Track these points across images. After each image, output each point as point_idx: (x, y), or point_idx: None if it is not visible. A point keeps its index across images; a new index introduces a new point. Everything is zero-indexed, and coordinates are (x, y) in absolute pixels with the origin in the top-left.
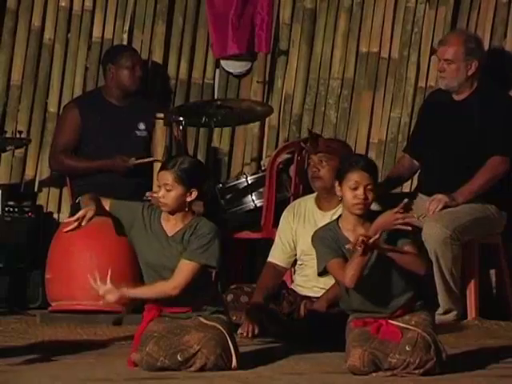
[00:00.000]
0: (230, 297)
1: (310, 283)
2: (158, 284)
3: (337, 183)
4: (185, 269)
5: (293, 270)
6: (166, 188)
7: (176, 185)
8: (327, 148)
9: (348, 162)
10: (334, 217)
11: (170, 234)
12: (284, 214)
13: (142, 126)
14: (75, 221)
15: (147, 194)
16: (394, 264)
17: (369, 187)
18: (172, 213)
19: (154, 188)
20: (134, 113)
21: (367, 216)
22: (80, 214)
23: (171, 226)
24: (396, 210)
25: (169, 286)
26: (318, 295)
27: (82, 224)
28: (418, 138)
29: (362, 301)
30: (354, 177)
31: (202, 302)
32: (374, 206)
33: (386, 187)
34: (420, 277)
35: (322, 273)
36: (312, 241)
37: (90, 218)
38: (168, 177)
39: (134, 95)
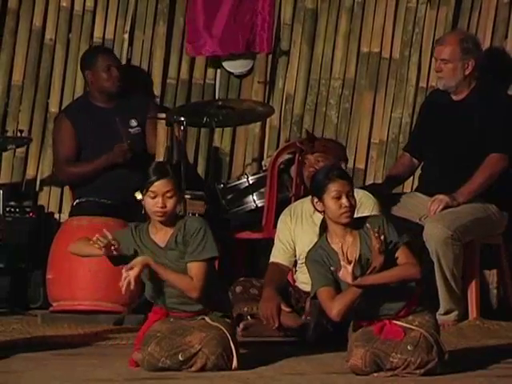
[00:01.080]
0: (238, 288)
1: None
2: (187, 278)
3: (315, 200)
4: (195, 271)
5: (294, 269)
6: (167, 196)
7: (176, 190)
8: (323, 148)
9: (322, 175)
10: None
11: (162, 245)
12: (281, 217)
13: (133, 122)
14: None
15: (136, 194)
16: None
17: (350, 194)
18: (166, 221)
19: None
20: (123, 112)
21: (354, 224)
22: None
23: (161, 236)
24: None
25: (192, 287)
26: None
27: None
28: (417, 137)
29: (365, 307)
30: (334, 187)
31: (210, 308)
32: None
33: (386, 186)
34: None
35: (314, 297)
36: (305, 263)
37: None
38: (169, 184)
39: (121, 95)
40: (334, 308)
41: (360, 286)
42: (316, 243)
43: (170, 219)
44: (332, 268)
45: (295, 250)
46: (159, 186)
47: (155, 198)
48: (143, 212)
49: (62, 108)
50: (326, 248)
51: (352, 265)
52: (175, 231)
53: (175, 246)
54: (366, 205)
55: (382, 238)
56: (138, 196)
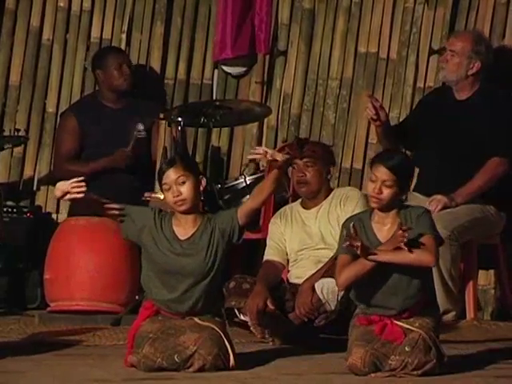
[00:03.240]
0: (232, 284)
1: (308, 272)
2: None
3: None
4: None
5: (287, 267)
6: (180, 182)
7: (188, 174)
8: (312, 153)
9: (378, 155)
10: (320, 210)
11: (182, 238)
12: (271, 220)
13: (140, 126)
14: None
15: (146, 194)
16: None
17: (386, 183)
18: (189, 210)
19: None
20: (131, 114)
21: (397, 210)
22: None
23: (183, 230)
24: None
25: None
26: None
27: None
28: (411, 127)
29: (372, 294)
30: (374, 170)
31: (205, 310)
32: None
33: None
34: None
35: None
36: (341, 226)
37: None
38: (178, 170)
39: (130, 96)
40: (342, 275)
41: (371, 260)
42: (358, 213)
43: (194, 208)
44: (343, 244)
45: (287, 250)
46: (168, 176)
47: (170, 190)
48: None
49: (62, 108)
50: (364, 220)
51: (359, 243)
52: (199, 229)
53: (198, 241)
54: (352, 198)
55: (406, 234)
56: (161, 196)
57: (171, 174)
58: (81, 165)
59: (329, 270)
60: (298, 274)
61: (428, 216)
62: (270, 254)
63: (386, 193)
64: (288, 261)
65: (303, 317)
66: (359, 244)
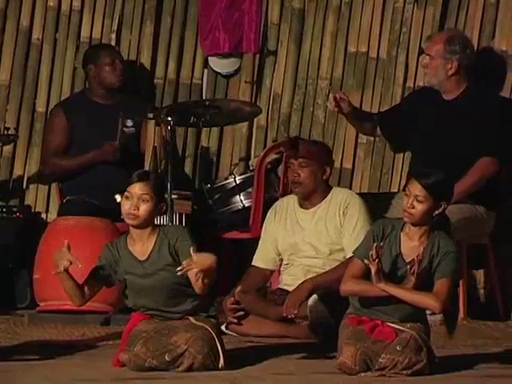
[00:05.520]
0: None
1: (297, 281)
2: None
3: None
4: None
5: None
6: (142, 199)
7: (153, 196)
8: (307, 153)
9: (417, 171)
10: (317, 212)
11: (142, 259)
12: (268, 214)
13: (129, 122)
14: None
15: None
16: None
17: (418, 198)
18: (139, 226)
19: None
20: (121, 110)
21: (429, 229)
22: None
23: (140, 248)
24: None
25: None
26: None
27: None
28: (396, 118)
29: (373, 302)
30: (409, 185)
31: (199, 309)
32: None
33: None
34: None
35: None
36: (370, 227)
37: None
38: (146, 188)
39: (120, 92)
40: (349, 285)
41: (380, 288)
42: (397, 219)
43: (145, 226)
44: (365, 261)
45: (278, 250)
46: (135, 187)
47: (129, 200)
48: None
49: (51, 107)
50: (395, 228)
51: (375, 268)
52: (155, 246)
53: (157, 259)
54: (353, 205)
55: (415, 267)
56: (118, 198)
57: (137, 188)
58: (70, 159)
59: (335, 279)
60: (287, 282)
61: (455, 258)
62: (258, 259)
63: (418, 208)
64: (279, 260)
65: (286, 314)
66: (376, 268)
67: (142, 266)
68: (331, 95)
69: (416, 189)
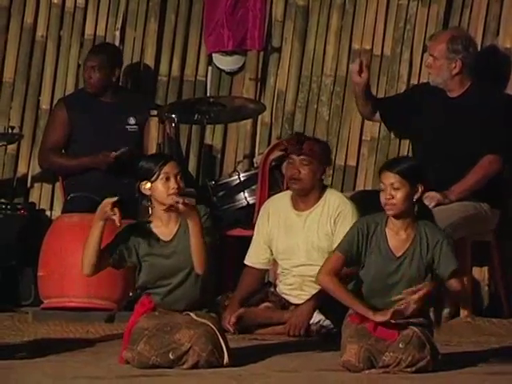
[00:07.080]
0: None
1: (295, 292)
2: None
3: None
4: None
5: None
6: (180, 176)
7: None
8: (310, 151)
9: (383, 164)
10: (310, 217)
11: (166, 239)
12: (260, 212)
13: (132, 120)
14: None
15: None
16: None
17: (394, 186)
18: (168, 210)
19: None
20: (123, 108)
21: (414, 222)
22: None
23: (165, 229)
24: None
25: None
26: None
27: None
28: (397, 104)
29: (375, 299)
30: (381, 178)
31: (201, 304)
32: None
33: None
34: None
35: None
36: (355, 221)
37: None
38: (179, 166)
39: (123, 91)
40: (325, 282)
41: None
42: (378, 214)
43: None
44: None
45: (271, 250)
46: (171, 167)
47: (168, 181)
48: (149, 203)
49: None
50: (379, 224)
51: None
52: (182, 225)
53: (183, 239)
54: (346, 215)
55: (418, 294)
56: (147, 185)
57: (174, 167)
58: (64, 158)
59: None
60: (285, 291)
61: (450, 244)
62: (251, 258)
63: (398, 196)
64: (273, 259)
65: (292, 336)
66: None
67: (166, 247)
68: (358, 59)
69: (390, 178)
